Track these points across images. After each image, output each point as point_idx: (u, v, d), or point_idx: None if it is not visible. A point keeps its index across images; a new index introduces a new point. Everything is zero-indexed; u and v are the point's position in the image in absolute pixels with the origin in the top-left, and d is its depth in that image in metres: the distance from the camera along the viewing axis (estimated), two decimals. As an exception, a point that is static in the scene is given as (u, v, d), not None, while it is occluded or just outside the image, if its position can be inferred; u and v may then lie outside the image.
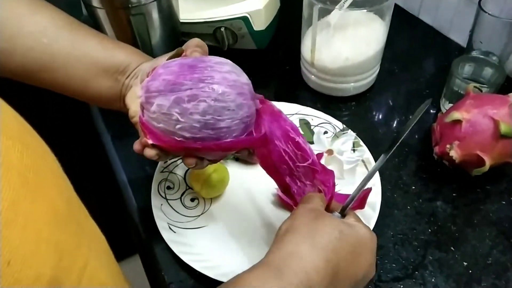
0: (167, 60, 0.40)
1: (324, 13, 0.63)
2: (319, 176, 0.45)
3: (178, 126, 0.35)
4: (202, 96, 0.35)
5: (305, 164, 0.43)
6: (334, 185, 0.46)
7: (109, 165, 0.63)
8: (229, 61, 0.39)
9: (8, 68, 0.43)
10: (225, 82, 0.36)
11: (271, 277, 0.33)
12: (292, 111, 0.65)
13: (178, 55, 0.41)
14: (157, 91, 0.36)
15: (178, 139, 0.36)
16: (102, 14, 0.60)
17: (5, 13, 0.42)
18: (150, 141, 0.38)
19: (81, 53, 0.45)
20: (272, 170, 0.43)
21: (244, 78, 0.38)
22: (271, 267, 0.34)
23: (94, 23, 0.63)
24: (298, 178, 0.44)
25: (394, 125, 0.66)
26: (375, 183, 0.54)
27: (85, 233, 0.28)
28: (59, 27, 0.44)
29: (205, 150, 0.37)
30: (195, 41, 0.44)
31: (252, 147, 0.41)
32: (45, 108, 0.78)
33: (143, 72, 0.41)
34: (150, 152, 0.39)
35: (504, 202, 0.54)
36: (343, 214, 0.41)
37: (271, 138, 0.41)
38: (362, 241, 0.37)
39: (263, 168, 0.43)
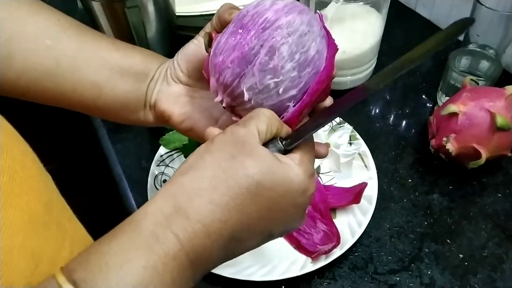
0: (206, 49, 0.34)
1: (321, 6, 0.62)
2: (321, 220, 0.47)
3: (281, 90, 0.30)
4: (275, 42, 0.30)
5: None
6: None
7: (104, 159, 0.63)
8: None
9: (6, 79, 0.36)
10: (280, 13, 0.30)
11: (139, 248, 0.25)
12: (289, 105, 0.64)
13: (210, 40, 0.34)
14: (236, 77, 0.30)
15: (290, 104, 0.31)
16: (97, 6, 0.60)
17: (2, 14, 0.36)
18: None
19: (90, 54, 0.37)
20: None
21: None
22: (142, 232, 0.25)
23: (89, 16, 0.63)
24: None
25: (391, 118, 0.66)
26: (372, 176, 0.54)
27: (68, 236, 0.27)
28: (63, 27, 0.38)
29: (319, 89, 0.31)
30: (226, 7, 0.35)
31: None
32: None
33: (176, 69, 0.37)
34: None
35: (500, 195, 0.54)
36: (288, 145, 0.30)
37: None
38: (287, 193, 0.28)
39: None
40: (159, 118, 0.39)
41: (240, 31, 0.30)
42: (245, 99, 0.30)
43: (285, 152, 0.30)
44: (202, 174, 0.27)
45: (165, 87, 0.38)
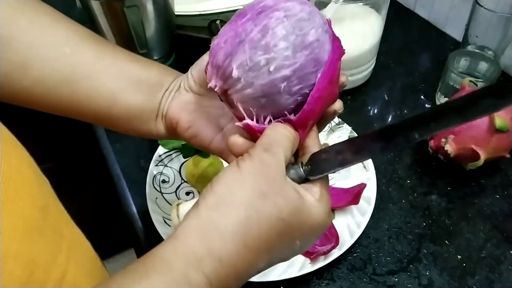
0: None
1: (321, 6, 0.62)
2: None
3: (272, 68, 0.28)
4: (271, 22, 0.29)
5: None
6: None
7: (103, 158, 0.62)
8: None
9: (21, 86, 0.36)
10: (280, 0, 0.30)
11: (158, 272, 0.25)
12: (288, 105, 0.64)
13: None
14: (227, 57, 0.29)
15: (282, 85, 0.29)
16: (96, 5, 0.59)
17: (21, 22, 0.36)
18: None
19: (108, 63, 0.38)
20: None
21: None
22: (174, 273, 0.25)
23: (88, 15, 0.62)
24: None
25: (390, 119, 0.66)
26: (370, 177, 0.54)
27: (64, 241, 0.26)
28: (82, 37, 0.38)
29: (324, 88, 0.30)
30: None
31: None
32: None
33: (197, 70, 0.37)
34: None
35: (498, 196, 0.55)
36: (309, 174, 0.30)
37: None
38: (310, 230, 0.29)
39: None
40: (168, 128, 0.39)
41: (237, 19, 0.30)
42: (233, 75, 0.29)
43: (305, 179, 0.30)
44: (235, 213, 0.27)
45: (177, 96, 0.38)
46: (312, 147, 0.32)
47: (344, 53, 0.31)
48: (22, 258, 0.22)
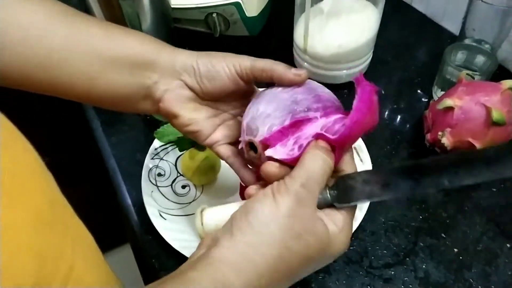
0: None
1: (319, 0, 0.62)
2: None
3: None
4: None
5: None
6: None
7: (98, 151, 0.62)
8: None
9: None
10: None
11: None
12: (284, 99, 0.64)
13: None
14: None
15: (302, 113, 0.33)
16: (91, -3, 0.59)
17: None
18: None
19: (82, 44, 0.36)
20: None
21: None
22: None
23: (83, 8, 0.62)
24: None
25: (386, 113, 0.65)
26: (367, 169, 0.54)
27: (70, 234, 0.26)
28: (52, 16, 0.36)
29: (362, 105, 0.33)
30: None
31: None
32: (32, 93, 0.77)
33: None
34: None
35: (494, 190, 0.55)
36: (335, 201, 0.32)
37: None
38: (330, 257, 0.32)
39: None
40: (161, 111, 0.38)
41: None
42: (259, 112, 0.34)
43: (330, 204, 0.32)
44: (270, 252, 0.29)
45: (175, 86, 0.38)
46: (347, 171, 0.33)
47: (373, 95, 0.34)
48: (33, 251, 0.22)
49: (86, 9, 0.61)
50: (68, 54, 0.36)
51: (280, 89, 0.35)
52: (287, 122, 0.33)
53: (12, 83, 0.37)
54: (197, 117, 0.38)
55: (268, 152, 0.32)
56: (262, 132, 0.33)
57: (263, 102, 0.34)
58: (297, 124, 0.33)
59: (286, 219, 0.29)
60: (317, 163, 0.31)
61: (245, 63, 0.37)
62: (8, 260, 0.20)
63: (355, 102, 0.33)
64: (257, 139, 0.33)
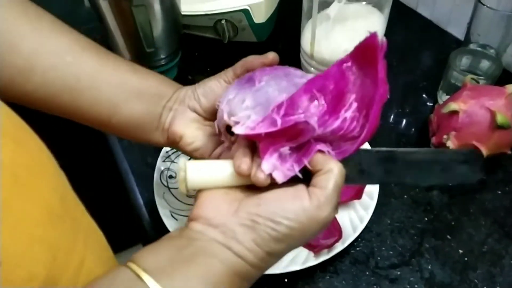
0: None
1: (324, 6, 0.63)
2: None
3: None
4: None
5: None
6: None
7: (111, 155, 0.64)
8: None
9: (24, 90, 0.37)
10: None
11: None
12: (292, 103, 0.65)
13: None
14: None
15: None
16: (104, 5, 0.61)
17: (24, 28, 0.37)
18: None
19: (109, 74, 0.40)
20: None
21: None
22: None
23: (96, 15, 0.64)
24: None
25: (392, 116, 0.66)
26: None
27: (81, 230, 0.28)
28: (84, 47, 0.40)
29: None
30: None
31: None
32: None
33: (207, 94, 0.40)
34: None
35: (499, 192, 0.55)
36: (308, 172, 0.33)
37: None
38: (318, 226, 0.33)
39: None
40: (169, 139, 0.41)
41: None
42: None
43: None
44: (287, 246, 0.32)
45: (180, 112, 0.40)
46: None
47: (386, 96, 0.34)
48: (46, 243, 0.23)
49: (99, 17, 0.63)
50: (96, 81, 0.39)
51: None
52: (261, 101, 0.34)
53: (38, 105, 0.39)
54: (199, 135, 0.40)
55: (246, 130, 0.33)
56: (240, 112, 0.34)
57: (236, 86, 0.36)
58: (268, 101, 0.34)
59: (305, 223, 0.32)
60: (339, 178, 0.33)
61: (230, 72, 0.40)
62: (22, 250, 0.21)
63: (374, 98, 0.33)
64: (234, 119, 0.34)
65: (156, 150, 0.59)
